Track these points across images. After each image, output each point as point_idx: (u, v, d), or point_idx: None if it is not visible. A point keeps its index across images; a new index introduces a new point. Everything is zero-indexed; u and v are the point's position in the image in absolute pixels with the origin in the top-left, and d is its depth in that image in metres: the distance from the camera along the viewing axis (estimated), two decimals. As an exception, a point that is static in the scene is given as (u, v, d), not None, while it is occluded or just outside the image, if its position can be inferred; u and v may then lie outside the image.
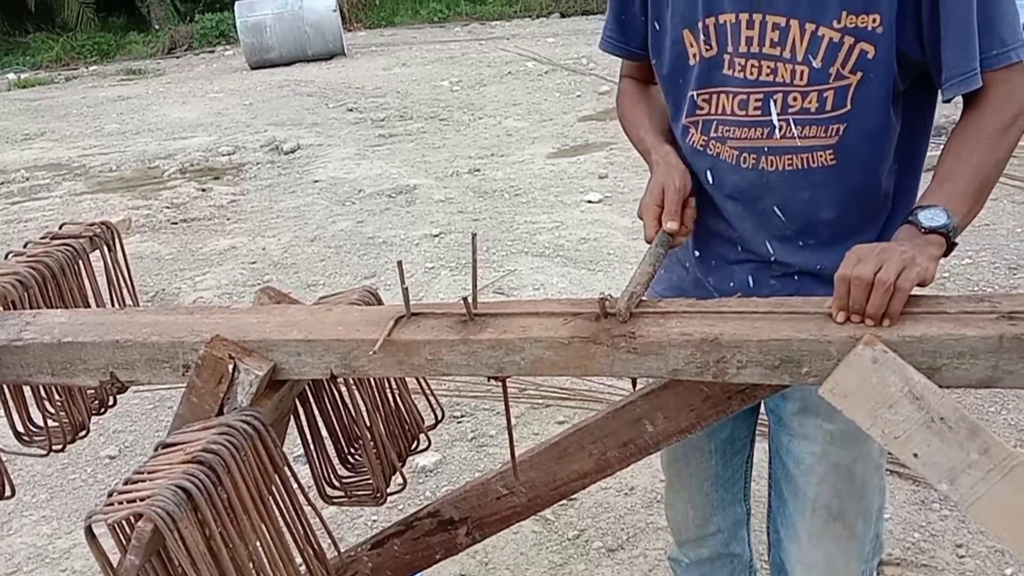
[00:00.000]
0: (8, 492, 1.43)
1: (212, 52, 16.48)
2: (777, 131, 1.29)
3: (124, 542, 0.98)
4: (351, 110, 9.30)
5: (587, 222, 5.16)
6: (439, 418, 1.65)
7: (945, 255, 1.17)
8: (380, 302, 1.51)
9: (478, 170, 6.53)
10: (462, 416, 3.20)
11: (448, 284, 4.43)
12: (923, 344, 1.05)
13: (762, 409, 1.63)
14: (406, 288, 1.21)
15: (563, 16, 16.35)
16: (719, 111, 1.34)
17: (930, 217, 1.16)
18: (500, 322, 1.19)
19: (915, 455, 1.04)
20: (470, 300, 1.19)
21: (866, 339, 1.04)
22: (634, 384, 1.40)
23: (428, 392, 1.61)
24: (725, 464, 1.64)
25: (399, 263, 1.24)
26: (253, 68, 13.36)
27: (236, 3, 14.17)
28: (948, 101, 1.26)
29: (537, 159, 6.68)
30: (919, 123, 1.35)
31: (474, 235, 1.20)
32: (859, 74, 1.23)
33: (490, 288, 4.26)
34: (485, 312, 1.20)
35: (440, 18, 17.64)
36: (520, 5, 17.43)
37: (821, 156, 1.29)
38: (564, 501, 2.45)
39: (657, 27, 1.38)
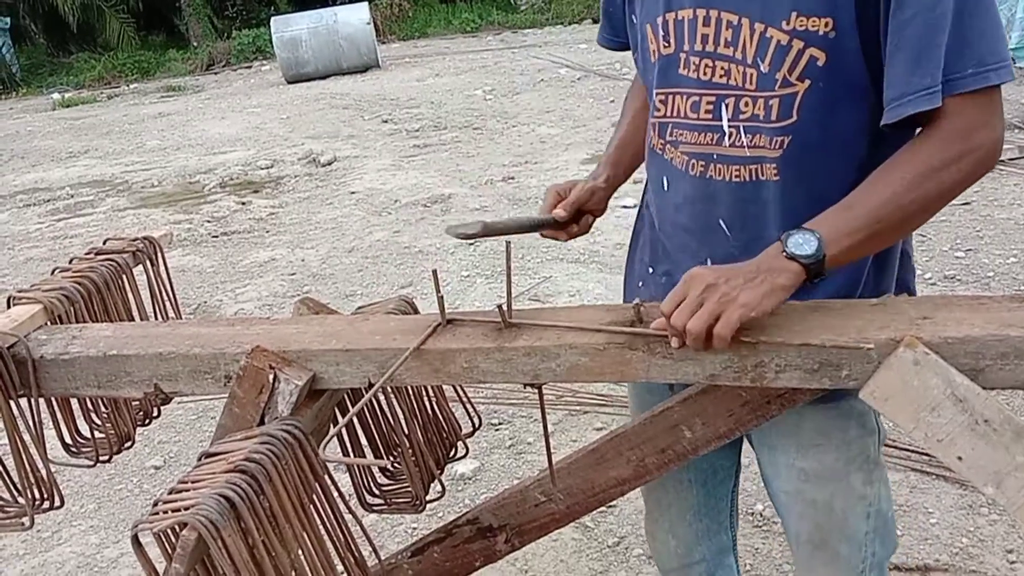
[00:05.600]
0: (57, 502, 1.46)
1: (249, 68, 16.74)
2: (727, 138, 1.21)
3: (169, 550, 1.00)
4: (386, 121, 9.39)
5: (622, 227, 5.14)
6: (476, 425, 1.66)
7: (808, 282, 1.08)
8: (416, 311, 1.52)
9: (512, 178, 6.54)
10: (500, 423, 3.20)
11: (484, 292, 4.44)
12: (965, 345, 1.03)
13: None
14: (441, 296, 1.22)
15: (595, 22, 16.17)
16: (674, 113, 1.27)
17: (799, 243, 1.07)
18: (535, 329, 1.19)
19: (959, 458, 1.02)
20: (505, 307, 1.19)
21: (907, 341, 1.03)
22: (671, 389, 1.40)
23: (465, 400, 1.61)
24: (708, 494, 1.57)
25: (434, 272, 1.25)
26: (289, 82, 13.56)
27: (272, 19, 14.42)
28: (889, 129, 1.10)
29: (571, 165, 6.68)
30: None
31: (508, 243, 1.21)
32: (807, 82, 1.12)
33: (525, 295, 4.27)
34: (520, 319, 1.21)
35: (472, 28, 17.74)
36: (552, 12, 17.48)
37: (768, 169, 1.19)
38: (603, 508, 2.44)
39: (634, 20, 1.33)
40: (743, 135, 1.19)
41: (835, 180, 1.17)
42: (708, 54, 1.19)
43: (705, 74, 1.20)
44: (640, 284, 1.47)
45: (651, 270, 1.43)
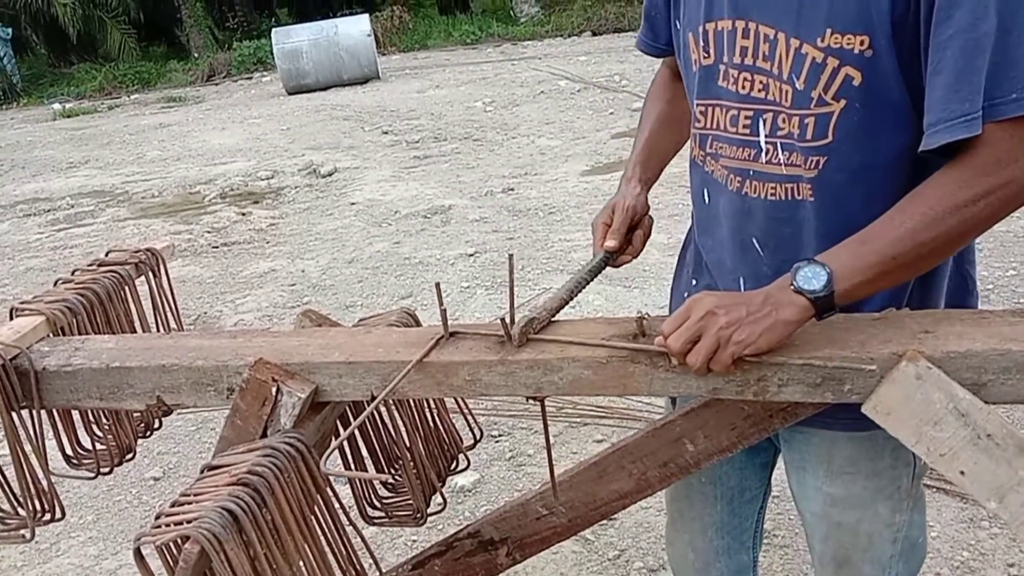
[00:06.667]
0: (59, 514, 1.46)
1: (250, 79, 16.77)
2: (763, 154, 1.17)
3: (172, 563, 1.00)
4: (386, 133, 9.40)
5: (622, 239, 5.14)
6: (477, 438, 1.66)
7: (818, 317, 1.06)
8: (418, 323, 1.52)
9: (512, 189, 6.55)
10: (500, 435, 3.20)
11: (484, 303, 4.44)
12: (967, 360, 1.03)
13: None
14: (444, 309, 1.22)
15: (595, 35, 16.40)
16: (714, 125, 1.24)
17: (807, 277, 1.04)
18: (538, 342, 1.19)
19: (962, 473, 1.02)
20: (508, 320, 1.20)
21: (909, 355, 1.03)
22: (673, 403, 1.40)
23: (466, 412, 1.61)
24: (732, 513, 1.54)
25: (437, 285, 1.25)
26: (290, 93, 13.58)
27: (273, 30, 14.46)
28: (930, 155, 1.03)
29: (571, 177, 6.69)
30: None
31: (511, 256, 1.21)
32: (842, 102, 1.07)
33: (526, 307, 4.26)
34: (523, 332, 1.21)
35: (472, 40, 17.79)
36: (552, 25, 17.54)
37: (803, 189, 1.15)
38: (604, 521, 2.44)
39: (678, 26, 1.29)
40: (780, 152, 1.15)
41: (874, 205, 1.10)
42: (747, 67, 1.15)
43: (744, 87, 1.17)
44: (685, 294, 1.44)
45: (694, 282, 1.42)
